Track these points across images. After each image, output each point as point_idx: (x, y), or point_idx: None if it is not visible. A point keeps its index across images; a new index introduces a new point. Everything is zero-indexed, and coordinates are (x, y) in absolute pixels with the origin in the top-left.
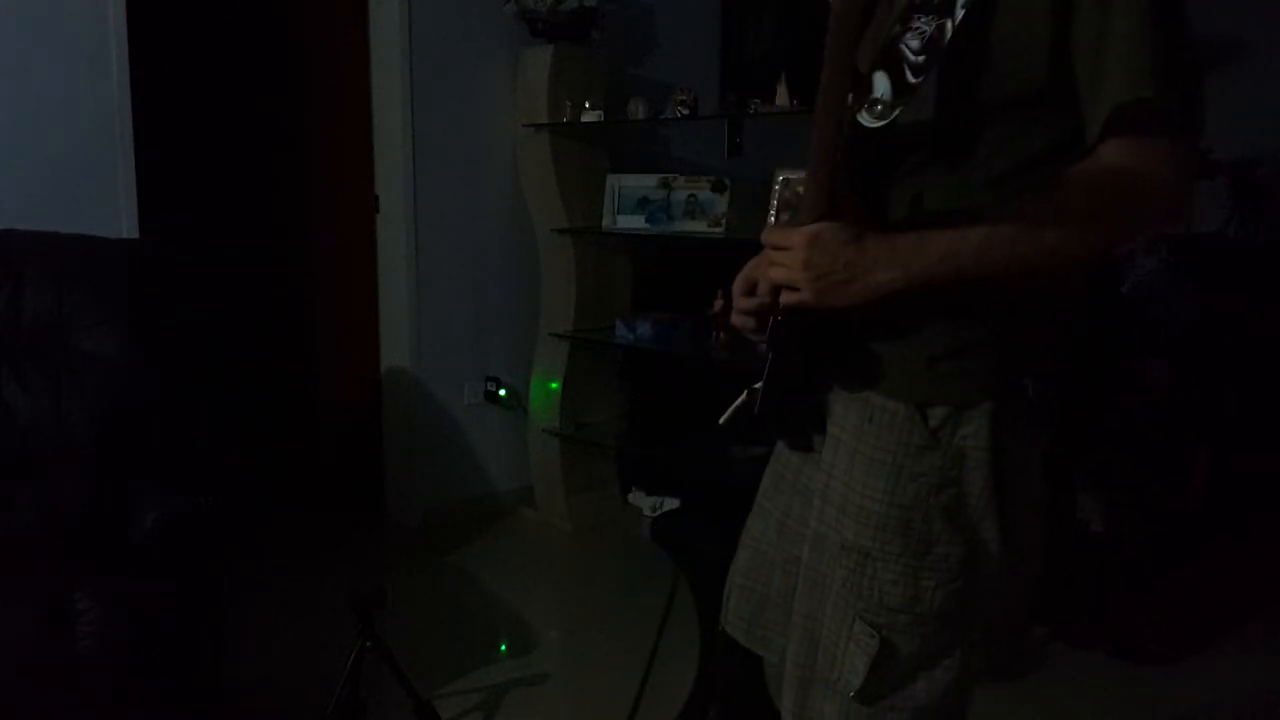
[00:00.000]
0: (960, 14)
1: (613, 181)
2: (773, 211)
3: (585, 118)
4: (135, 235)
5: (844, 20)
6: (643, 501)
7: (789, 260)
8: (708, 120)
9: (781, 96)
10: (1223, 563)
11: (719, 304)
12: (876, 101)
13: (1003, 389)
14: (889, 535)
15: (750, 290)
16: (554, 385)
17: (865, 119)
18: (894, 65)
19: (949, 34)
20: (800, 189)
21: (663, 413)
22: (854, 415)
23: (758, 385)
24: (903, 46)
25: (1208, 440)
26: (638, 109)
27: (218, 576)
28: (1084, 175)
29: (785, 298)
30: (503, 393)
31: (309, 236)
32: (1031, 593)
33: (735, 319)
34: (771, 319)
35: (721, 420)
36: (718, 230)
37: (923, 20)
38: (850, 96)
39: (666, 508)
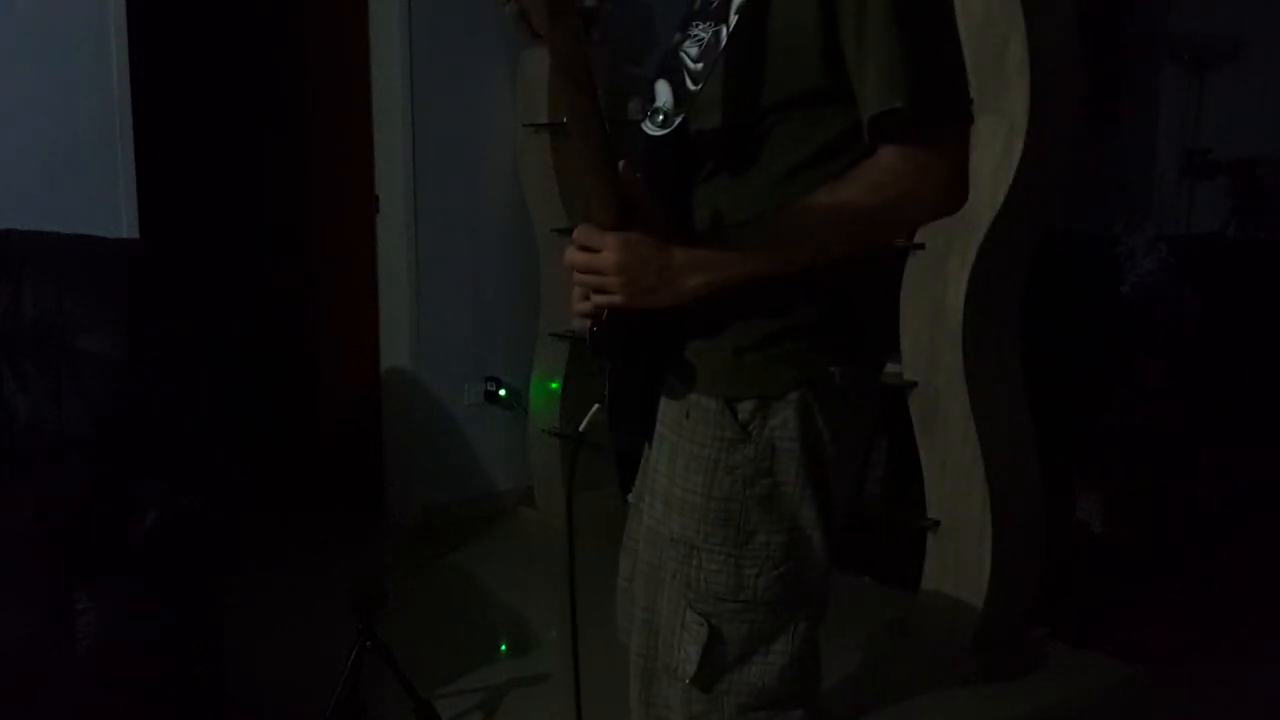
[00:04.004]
0: (734, 19)
1: None
2: None
3: None
4: (135, 235)
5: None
6: None
7: (600, 264)
8: None
9: None
10: (1223, 563)
11: None
12: (659, 110)
13: (808, 379)
14: (711, 527)
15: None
16: (554, 385)
17: (649, 127)
18: (674, 73)
19: (724, 40)
20: None
21: None
22: (673, 412)
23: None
24: (682, 54)
25: (1208, 440)
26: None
27: (218, 576)
28: (859, 177)
29: (599, 300)
30: (503, 393)
31: (309, 236)
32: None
33: (576, 324)
34: (590, 322)
35: (581, 427)
36: None
37: (701, 28)
38: (641, 105)
39: None
